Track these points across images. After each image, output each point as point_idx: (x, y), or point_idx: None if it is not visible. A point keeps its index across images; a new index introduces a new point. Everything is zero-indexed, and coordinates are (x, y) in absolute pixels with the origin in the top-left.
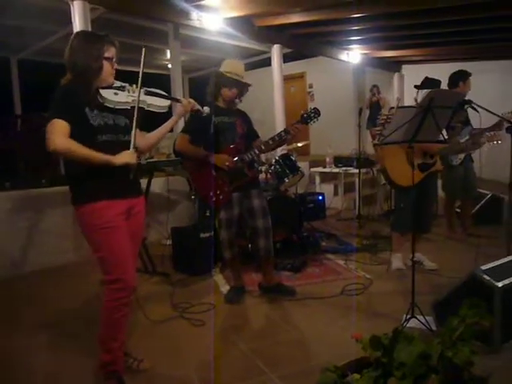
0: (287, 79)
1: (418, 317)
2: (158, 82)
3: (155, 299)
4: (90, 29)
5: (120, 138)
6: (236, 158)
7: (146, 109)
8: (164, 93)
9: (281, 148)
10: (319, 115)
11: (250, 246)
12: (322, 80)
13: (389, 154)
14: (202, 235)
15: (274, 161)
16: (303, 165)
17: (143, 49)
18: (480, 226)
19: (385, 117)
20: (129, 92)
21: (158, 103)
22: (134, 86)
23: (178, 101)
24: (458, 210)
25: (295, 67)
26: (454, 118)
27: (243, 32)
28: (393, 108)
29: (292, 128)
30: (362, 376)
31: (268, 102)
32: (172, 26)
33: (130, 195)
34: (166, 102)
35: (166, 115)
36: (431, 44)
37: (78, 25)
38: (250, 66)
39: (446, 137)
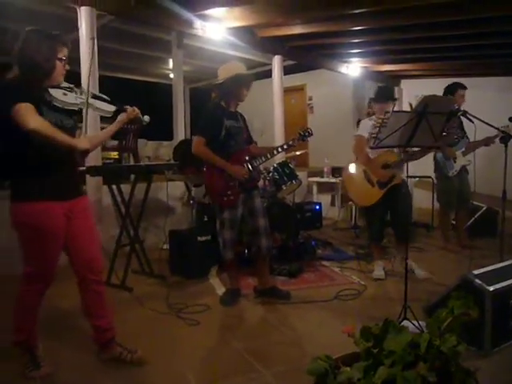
0: (288, 91)
1: (410, 320)
2: (160, 91)
3: (151, 299)
4: (95, 35)
5: None
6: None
7: (93, 111)
8: (109, 98)
9: (279, 156)
10: (311, 135)
11: (246, 251)
12: (321, 93)
13: (349, 177)
14: (200, 238)
15: (272, 168)
16: (301, 174)
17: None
18: (475, 238)
19: (380, 120)
20: (76, 94)
21: (104, 107)
22: (82, 88)
23: (122, 108)
24: (454, 222)
25: (296, 80)
26: (448, 124)
27: (245, 42)
28: (388, 112)
29: (294, 142)
30: (352, 367)
31: (268, 113)
32: (176, 34)
33: (71, 197)
34: (112, 108)
35: None
36: (430, 59)
37: (84, 31)
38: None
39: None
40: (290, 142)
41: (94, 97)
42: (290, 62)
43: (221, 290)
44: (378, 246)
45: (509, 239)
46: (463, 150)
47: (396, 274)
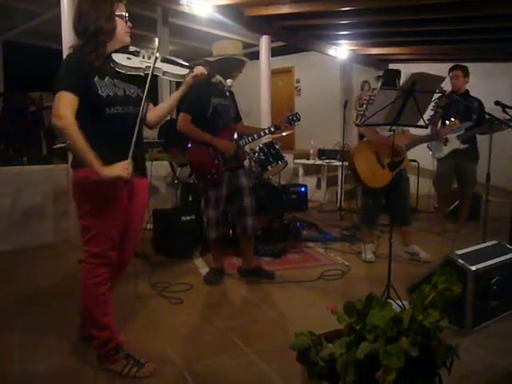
0: (275, 73)
1: (393, 299)
2: None
3: (134, 278)
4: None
5: (130, 110)
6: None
7: (162, 76)
8: (182, 61)
9: (265, 136)
10: (299, 120)
11: (230, 231)
12: (309, 75)
13: (359, 156)
14: (184, 218)
15: (257, 148)
16: (287, 157)
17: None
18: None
19: (367, 97)
20: (143, 58)
21: (175, 71)
22: (150, 51)
23: (192, 69)
24: (436, 205)
25: (283, 62)
26: (435, 103)
27: (232, 21)
28: (375, 89)
29: (282, 125)
30: (335, 343)
31: (255, 95)
32: (161, 11)
33: (134, 174)
34: (184, 71)
35: None
36: (417, 42)
37: (66, 6)
38: None
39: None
40: (278, 124)
41: (165, 60)
42: (278, 44)
43: (204, 269)
44: (370, 230)
45: (491, 222)
46: (461, 132)
47: (380, 256)
